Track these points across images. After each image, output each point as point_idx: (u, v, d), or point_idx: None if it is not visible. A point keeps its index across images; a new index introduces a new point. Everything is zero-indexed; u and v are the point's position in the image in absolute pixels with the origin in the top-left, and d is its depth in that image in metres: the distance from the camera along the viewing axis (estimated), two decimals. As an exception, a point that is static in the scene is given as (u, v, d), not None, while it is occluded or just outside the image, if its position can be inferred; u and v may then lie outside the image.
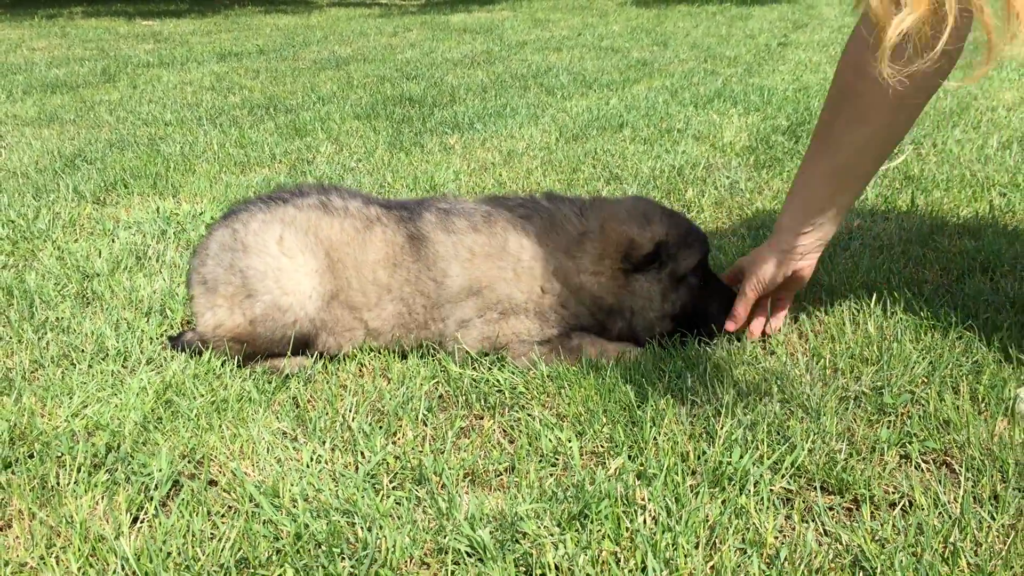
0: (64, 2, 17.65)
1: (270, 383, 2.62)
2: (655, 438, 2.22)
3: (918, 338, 2.71)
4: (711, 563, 1.79)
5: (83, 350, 2.83)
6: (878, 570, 1.73)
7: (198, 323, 2.78)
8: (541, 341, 2.74)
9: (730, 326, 2.72)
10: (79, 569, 1.82)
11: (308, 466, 2.19)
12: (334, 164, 5.10)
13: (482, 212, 2.79)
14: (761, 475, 2.05)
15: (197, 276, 2.80)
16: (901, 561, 1.74)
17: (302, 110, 6.68)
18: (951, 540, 1.81)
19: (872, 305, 2.89)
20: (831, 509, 1.99)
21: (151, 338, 2.92)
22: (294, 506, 2.00)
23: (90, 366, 2.73)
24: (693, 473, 2.10)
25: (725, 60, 8.91)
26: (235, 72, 8.61)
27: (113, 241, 3.85)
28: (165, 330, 2.98)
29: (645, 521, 1.92)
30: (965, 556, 1.78)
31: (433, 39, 11.26)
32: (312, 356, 2.77)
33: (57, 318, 3.06)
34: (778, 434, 2.22)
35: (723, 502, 1.98)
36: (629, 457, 2.17)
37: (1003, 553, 1.78)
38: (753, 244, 3.56)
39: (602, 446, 2.25)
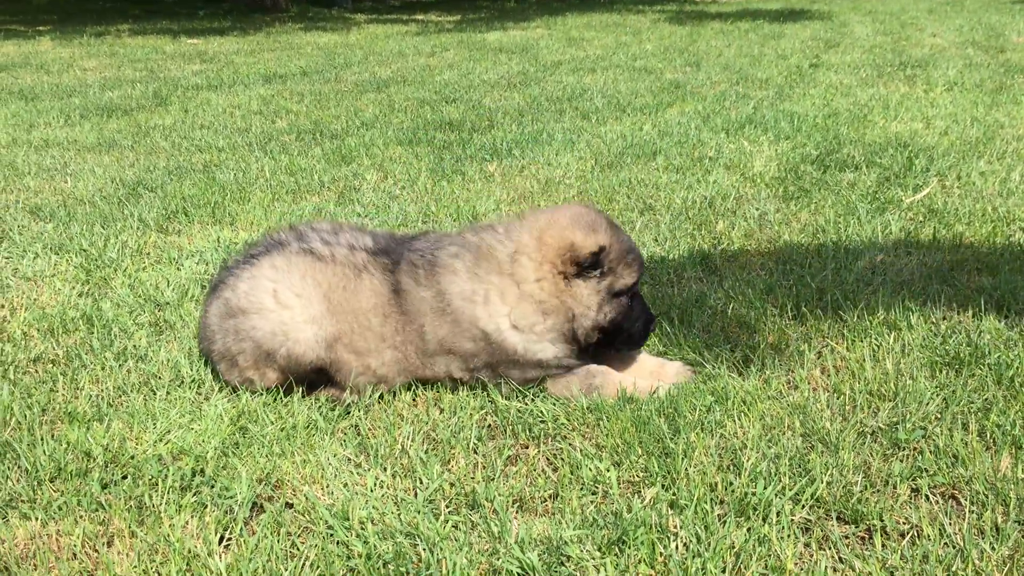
0: (111, 19, 18.16)
1: (333, 411, 2.87)
2: (687, 469, 2.44)
3: (933, 375, 2.91)
4: (736, 586, 2.01)
5: (161, 378, 3.10)
6: (885, 596, 1.95)
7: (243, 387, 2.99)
8: (564, 368, 2.93)
9: None
10: (179, 583, 2.08)
11: (372, 491, 2.43)
12: (379, 192, 5.36)
13: (426, 261, 2.91)
14: (783, 506, 2.27)
15: (215, 354, 3.00)
16: (907, 588, 1.96)
17: (347, 135, 6.96)
18: (953, 569, 2.02)
19: (891, 343, 3.09)
20: (846, 538, 2.20)
21: (221, 366, 3.18)
22: (363, 528, 2.24)
23: (169, 393, 2.99)
24: (721, 503, 2.32)
25: (757, 82, 9.09)
26: (280, 95, 8.93)
27: (179, 270, 4.13)
28: (233, 359, 3.24)
29: (677, 547, 2.15)
30: (966, 584, 1.98)
31: (470, 59, 11.53)
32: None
33: (135, 346, 3.33)
34: (799, 467, 2.44)
35: (748, 530, 2.19)
36: (663, 487, 2.40)
37: (1000, 582, 1.99)
38: (781, 278, 3.77)
39: (638, 476, 2.47)
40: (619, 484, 2.43)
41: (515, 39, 13.78)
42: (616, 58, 11.29)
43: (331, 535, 2.22)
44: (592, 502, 2.37)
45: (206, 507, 2.36)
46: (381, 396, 2.97)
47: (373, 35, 14.99)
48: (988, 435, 2.56)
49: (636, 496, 2.37)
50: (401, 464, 2.57)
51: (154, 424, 2.77)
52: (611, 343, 2.95)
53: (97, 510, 2.36)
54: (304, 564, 2.11)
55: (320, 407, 2.89)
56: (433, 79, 9.92)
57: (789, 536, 2.18)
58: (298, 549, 2.18)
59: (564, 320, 2.86)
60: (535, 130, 7.00)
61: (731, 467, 2.46)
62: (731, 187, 5.23)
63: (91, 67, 11.51)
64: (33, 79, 10.40)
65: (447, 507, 2.36)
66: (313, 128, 7.30)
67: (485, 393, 2.94)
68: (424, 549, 2.16)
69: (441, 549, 2.14)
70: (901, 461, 2.46)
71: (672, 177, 5.50)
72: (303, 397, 2.94)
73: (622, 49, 12.20)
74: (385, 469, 2.54)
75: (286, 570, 2.10)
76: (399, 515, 2.30)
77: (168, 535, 2.22)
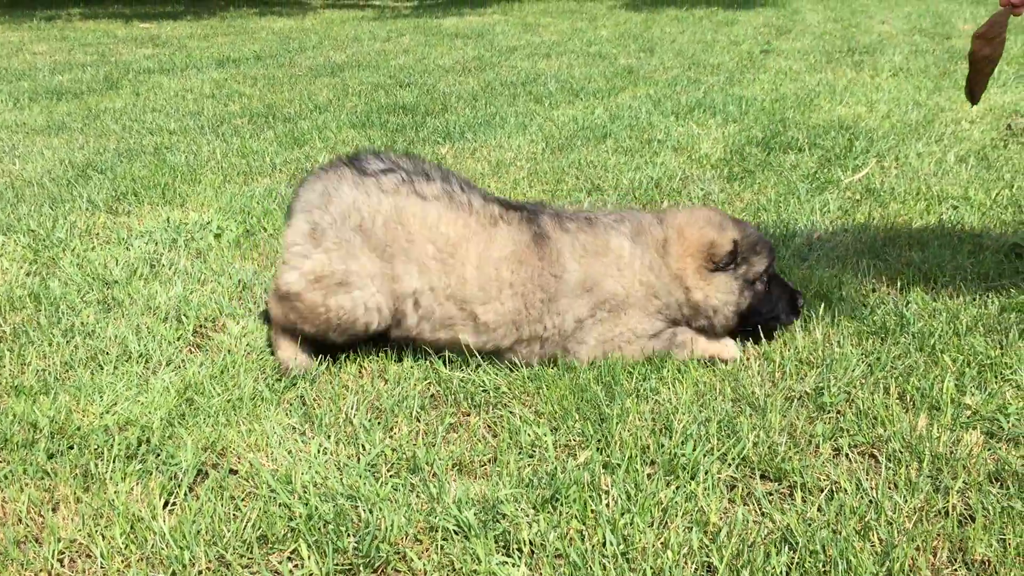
0: (61, 3, 17.87)
1: (279, 382, 2.92)
2: (620, 433, 2.53)
3: (860, 343, 3.03)
4: (662, 539, 2.11)
5: (108, 353, 3.12)
6: (801, 544, 2.05)
7: (288, 268, 2.95)
8: (652, 335, 3.03)
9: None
10: (123, 544, 2.12)
11: (316, 457, 2.49)
12: (332, 174, 5.38)
13: (583, 216, 3.11)
14: (710, 465, 2.37)
15: (311, 217, 2.91)
16: (822, 536, 2.06)
17: (300, 119, 6.97)
18: (866, 519, 2.13)
19: (821, 313, 3.20)
20: (769, 494, 2.30)
21: (169, 342, 3.22)
22: (305, 492, 2.31)
23: (116, 368, 3.03)
24: (652, 463, 2.42)
25: (708, 68, 9.22)
26: (234, 79, 8.88)
27: (128, 249, 4.14)
28: (181, 335, 3.28)
29: (608, 504, 2.24)
30: (877, 532, 2.10)
31: (426, 44, 11.54)
32: (317, 358, 3.06)
33: (82, 323, 3.35)
34: (728, 429, 2.54)
35: (676, 488, 2.29)
36: (597, 450, 2.49)
37: (910, 531, 2.10)
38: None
39: (574, 440, 2.56)
40: (555, 448, 2.52)
41: (471, 24, 13.80)
42: (571, 44, 11.36)
43: (274, 498, 2.28)
44: (529, 464, 2.46)
45: (151, 474, 2.41)
46: (327, 368, 3.03)
47: (329, 20, 14.92)
48: (908, 398, 2.68)
49: (572, 458, 2.46)
50: (345, 432, 2.63)
51: (100, 397, 2.81)
52: (750, 324, 3.09)
53: (43, 478, 2.40)
54: (246, 525, 2.17)
55: (267, 379, 2.94)
56: (388, 64, 9.92)
57: (715, 492, 2.28)
58: (241, 511, 2.24)
59: (672, 304, 3.05)
60: (488, 114, 7.06)
61: (663, 430, 2.56)
62: (678, 168, 5.33)
63: (41, 51, 11.34)
64: (-19, 62, 10.24)
65: (388, 471, 2.43)
66: (266, 111, 7.29)
67: (429, 363, 3.01)
68: (364, 510, 2.23)
69: (381, 509, 2.22)
70: (825, 423, 2.58)
71: (621, 159, 5.59)
72: (269, 350, 2.99)
73: (577, 35, 12.27)
74: (329, 437, 2.60)
75: (228, 531, 2.16)
76: (341, 479, 2.37)
77: (113, 500, 2.27)
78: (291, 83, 8.70)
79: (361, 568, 2.05)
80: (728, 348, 3.02)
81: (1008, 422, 2.54)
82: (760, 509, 2.23)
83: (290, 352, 3.01)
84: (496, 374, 2.93)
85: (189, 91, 8.26)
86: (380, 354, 3.08)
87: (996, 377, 2.78)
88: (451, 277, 2.91)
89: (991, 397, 2.66)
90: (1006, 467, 2.33)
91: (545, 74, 8.98)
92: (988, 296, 3.33)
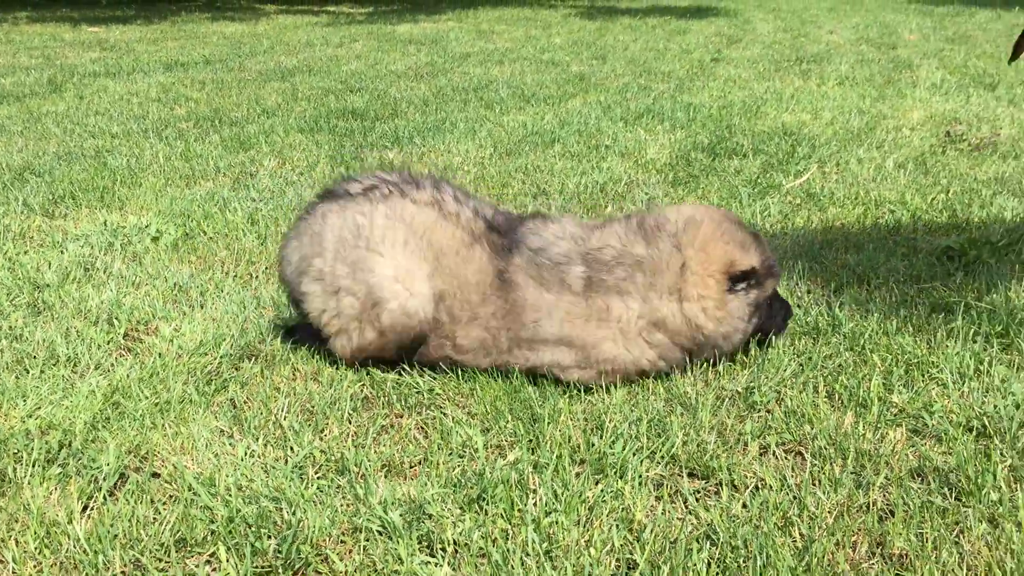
0: (8, 7, 17.56)
1: (209, 384, 2.88)
2: (552, 433, 2.53)
3: (792, 343, 3.06)
4: (586, 537, 2.10)
5: (35, 357, 3.06)
6: (722, 540, 2.06)
7: (318, 320, 2.90)
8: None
9: None
10: (36, 549, 2.07)
11: (242, 460, 2.46)
12: (276, 178, 5.34)
13: (578, 273, 2.74)
14: (639, 463, 2.37)
15: (312, 269, 2.86)
16: (744, 532, 2.07)
17: (247, 123, 6.90)
18: (789, 515, 2.15)
19: (756, 314, 3.23)
20: (697, 492, 2.31)
21: (99, 345, 3.15)
22: (228, 494, 2.27)
23: (42, 372, 2.96)
24: (581, 462, 2.41)
25: (659, 76, 9.29)
26: (181, 83, 8.78)
27: (62, 253, 4.07)
28: (112, 338, 3.22)
29: (536, 503, 2.23)
30: (799, 527, 2.11)
31: (379, 50, 11.50)
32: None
33: (10, 327, 3.28)
34: (659, 427, 2.55)
35: (603, 487, 2.29)
36: (529, 449, 2.48)
37: (831, 526, 2.12)
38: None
39: (506, 440, 2.55)
40: (487, 448, 2.51)
41: (425, 31, 13.79)
42: (524, 51, 11.39)
43: (195, 501, 2.24)
44: (459, 465, 2.44)
45: (71, 478, 2.36)
46: (261, 371, 2.99)
47: (282, 25, 14.82)
48: (836, 396, 2.71)
49: (501, 458, 2.45)
50: (274, 435, 2.59)
51: (24, 401, 2.74)
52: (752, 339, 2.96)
53: (-43, 484, 2.34)
54: (165, 528, 2.13)
55: (196, 382, 2.89)
56: (339, 69, 9.87)
57: (642, 490, 2.28)
58: (160, 515, 2.20)
59: (690, 344, 2.81)
60: (438, 119, 7.05)
61: (595, 429, 2.56)
62: (624, 173, 5.36)
63: (-16, 54, 11.13)
64: (-79, 65, 10.02)
65: (315, 473, 2.40)
66: (213, 115, 7.21)
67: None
68: (287, 511, 2.19)
69: (304, 511, 2.19)
70: (754, 421, 2.59)
71: (568, 164, 5.61)
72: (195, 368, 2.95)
73: (531, 42, 12.32)
74: (257, 439, 2.56)
75: (146, 534, 2.11)
76: (266, 481, 2.34)
77: (28, 504, 2.22)
78: (240, 87, 8.62)
79: (280, 569, 2.02)
80: None
81: (932, 419, 2.58)
82: (686, 507, 2.24)
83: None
84: (432, 377, 2.91)
85: (135, 95, 8.15)
86: (315, 356, 3.05)
87: (923, 376, 2.82)
88: (445, 286, 2.81)
89: (917, 395, 2.70)
90: (928, 463, 2.36)
91: (497, 80, 9.00)
92: (919, 297, 3.39)
